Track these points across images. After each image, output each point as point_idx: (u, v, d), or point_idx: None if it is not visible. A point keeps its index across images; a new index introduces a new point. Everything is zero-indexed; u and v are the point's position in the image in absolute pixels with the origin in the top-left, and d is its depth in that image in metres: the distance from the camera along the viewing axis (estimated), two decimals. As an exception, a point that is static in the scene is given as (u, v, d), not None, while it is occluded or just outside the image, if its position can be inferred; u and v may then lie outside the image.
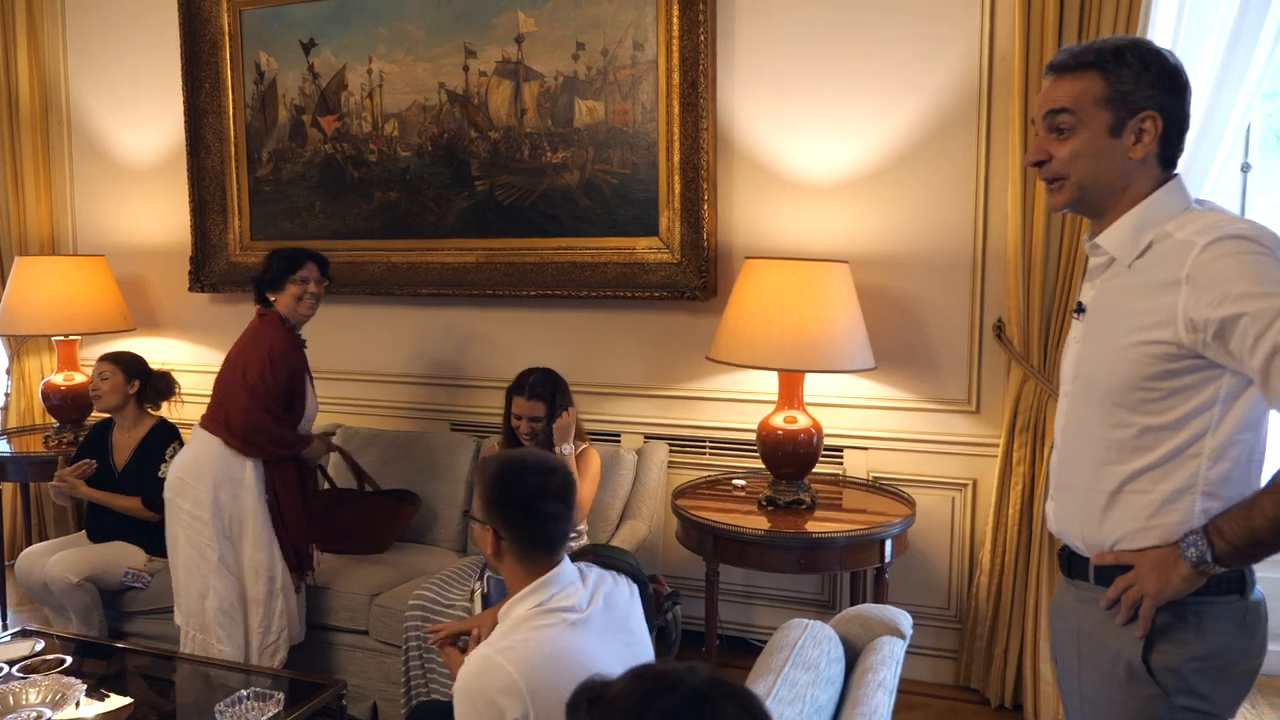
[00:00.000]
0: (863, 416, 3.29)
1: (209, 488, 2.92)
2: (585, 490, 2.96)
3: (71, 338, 4.04)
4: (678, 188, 3.35)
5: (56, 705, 2.27)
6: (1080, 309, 1.62)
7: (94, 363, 3.46)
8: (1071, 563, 1.62)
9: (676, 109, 3.31)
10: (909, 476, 3.24)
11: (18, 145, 4.34)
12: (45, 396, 3.96)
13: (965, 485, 3.21)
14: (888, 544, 2.83)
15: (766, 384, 3.22)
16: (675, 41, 3.29)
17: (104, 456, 3.40)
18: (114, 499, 3.29)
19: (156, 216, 4.21)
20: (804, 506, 2.98)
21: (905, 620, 1.95)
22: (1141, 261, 1.48)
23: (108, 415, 3.47)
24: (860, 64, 3.17)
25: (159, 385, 3.43)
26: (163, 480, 3.19)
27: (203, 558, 2.91)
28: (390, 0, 3.69)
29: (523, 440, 2.89)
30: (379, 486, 3.31)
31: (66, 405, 3.95)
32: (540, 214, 3.57)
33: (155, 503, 3.19)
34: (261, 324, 2.99)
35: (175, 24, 3.97)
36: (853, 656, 1.88)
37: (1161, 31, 2.77)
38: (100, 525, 3.35)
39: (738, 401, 3.40)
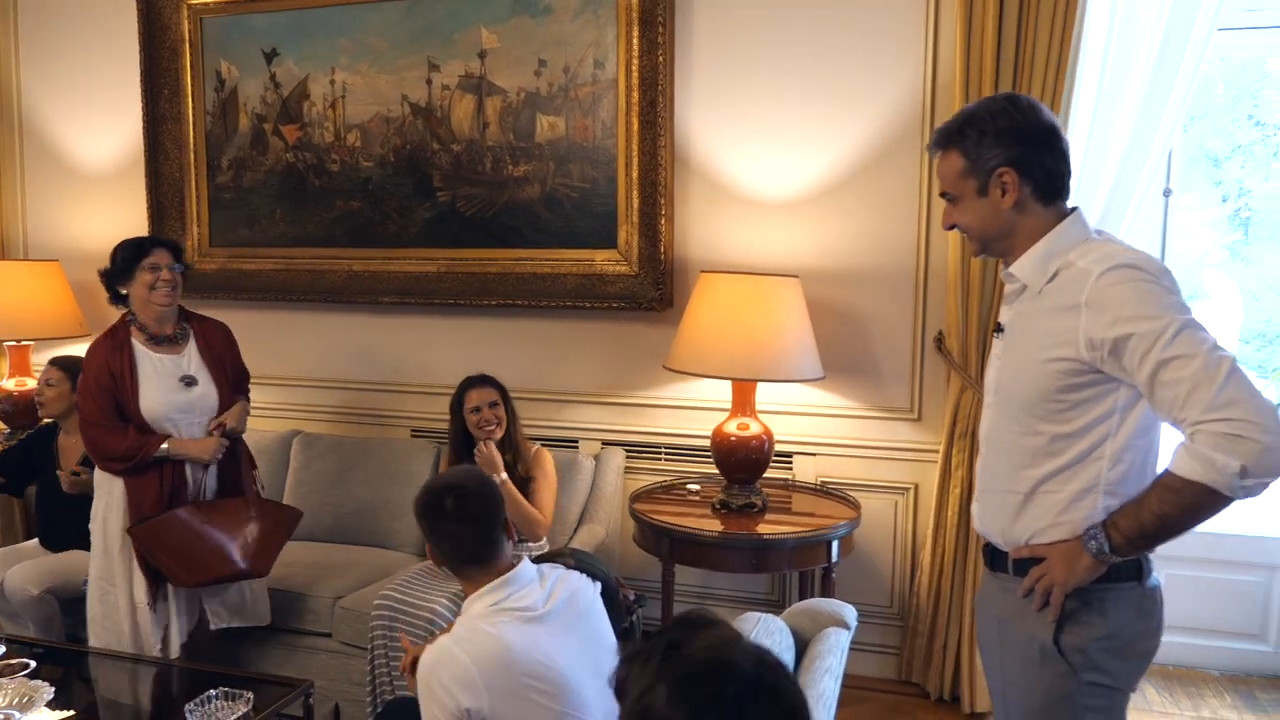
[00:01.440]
0: (812, 424, 3.44)
1: (99, 502, 2.91)
2: (545, 495, 3.07)
3: (24, 343, 4.01)
4: (636, 202, 3.47)
5: (24, 708, 2.29)
6: (1000, 329, 1.80)
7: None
8: (993, 557, 1.80)
9: (636, 126, 3.43)
10: (855, 481, 3.40)
11: (-32, 148, 4.29)
12: (-4, 402, 3.94)
13: (908, 489, 3.38)
14: (834, 545, 2.99)
15: (720, 392, 3.35)
16: (635, 61, 3.41)
17: (50, 462, 3.40)
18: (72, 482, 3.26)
19: (112, 222, 4.19)
20: (756, 510, 3.11)
21: (850, 612, 2.10)
22: (1050, 287, 1.66)
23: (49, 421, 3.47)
24: (811, 87, 3.32)
25: None
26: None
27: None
28: (353, 13, 3.75)
29: (486, 433, 2.98)
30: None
31: (18, 411, 3.93)
32: (502, 225, 3.66)
33: None
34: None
35: (135, 30, 3.96)
36: (802, 646, 2.02)
37: (1090, 61, 2.96)
38: (56, 533, 3.34)
39: (692, 409, 3.53)
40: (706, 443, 3.27)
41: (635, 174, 3.46)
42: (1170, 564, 3.53)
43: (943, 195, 1.78)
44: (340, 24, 3.77)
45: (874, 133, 3.28)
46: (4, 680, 2.40)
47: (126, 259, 2.85)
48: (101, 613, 2.91)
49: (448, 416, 3.59)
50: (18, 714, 2.26)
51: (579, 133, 3.54)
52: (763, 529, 3.02)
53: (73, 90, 4.22)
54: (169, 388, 2.87)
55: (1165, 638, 1.71)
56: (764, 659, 1.03)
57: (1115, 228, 3.04)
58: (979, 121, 1.69)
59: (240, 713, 2.35)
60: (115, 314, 3.12)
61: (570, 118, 3.54)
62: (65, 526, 3.30)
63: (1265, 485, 1.48)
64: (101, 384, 2.80)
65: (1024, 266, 1.70)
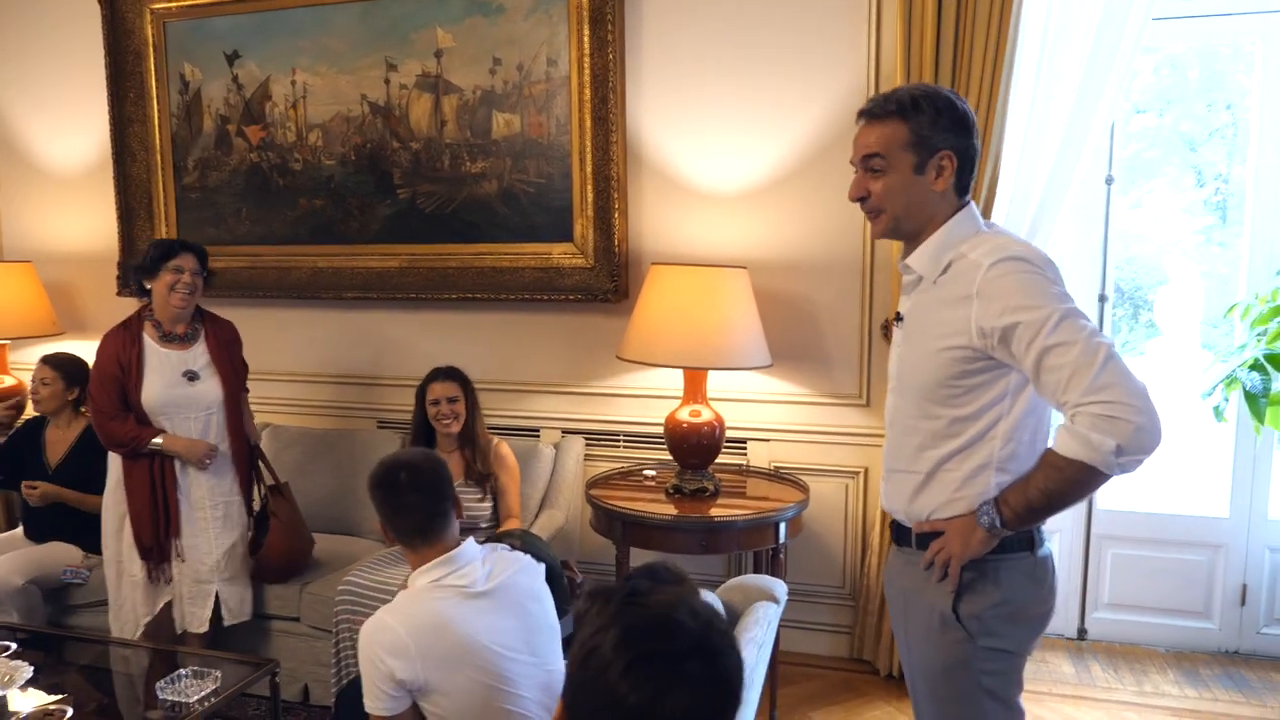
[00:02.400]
0: (764, 410, 3.53)
1: (111, 482, 3.10)
2: (511, 493, 3.17)
3: (1, 342, 4.09)
4: (590, 196, 3.55)
5: (4, 686, 2.38)
6: (899, 318, 1.88)
7: (26, 365, 3.54)
8: (898, 532, 1.89)
9: (589, 122, 3.51)
10: (807, 465, 3.49)
11: (-62, 152, 4.36)
12: (-26, 400, 4.02)
13: (858, 473, 3.47)
14: (782, 526, 3.08)
15: (675, 381, 3.43)
16: (586, 59, 3.48)
17: (37, 453, 3.50)
18: (85, 499, 3.37)
19: (83, 223, 4.27)
20: (708, 494, 3.20)
21: (780, 588, 2.19)
22: (944, 278, 1.74)
23: (36, 415, 3.56)
24: (758, 83, 3.40)
25: None
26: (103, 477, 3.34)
27: None
28: (312, 14, 3.82)
29: (444, 427, 3.08)
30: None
31: (-6, 407, 4.01)
32: (461, 221, 3.74)
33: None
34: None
35: (99, 34, 4.03)
36: (734, 620, 2.12)
37: (1026, 54, 3.04)
38: (39, 524, 3.44)
39: (648, 398, 3.61)
40: (662, 430, 3.36)
41: (589, 169, 3.54)
42: (1117, 544, 3.65)
43: (864, 160, 1.77)
44: (300, 26, 3.84)
45: (819, 127, 3.36)
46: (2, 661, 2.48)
47: (154, 258, 3.03)
48: (119, 596, 3.07)
49: (412, 408, 3.69)
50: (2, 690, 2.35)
51: (534, 129, 3.62)
52: (714, 512, 3.11)
53: (41, 95, 4.29)
54: (171, 382, 3.04)
55: (1111, 615, 1.79)
56: (713, 623, 1.10)
57: (1053, 216, 3.13)
58: (937, 101, 1.73)
59: (208, 690, 2.45)
60: (85, 312, 3.26)
61: (525, 115, 3.62)
62: (48, 519, 3.41)
63: (1139, 462, 1.56)
64: (110, 373, 2.99)
65: (919, 258, 1.78)
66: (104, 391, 2.99)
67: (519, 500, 3.21)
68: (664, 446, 3.43)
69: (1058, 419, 1.67)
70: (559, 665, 2.06)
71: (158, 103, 4.07)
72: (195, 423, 3.05)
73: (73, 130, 4.26)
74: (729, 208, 3.49)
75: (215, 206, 4.07)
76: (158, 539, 3.03)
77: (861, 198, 1.80)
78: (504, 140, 3.65)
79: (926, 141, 1.72)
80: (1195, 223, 4.72)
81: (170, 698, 2.44)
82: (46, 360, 3.51)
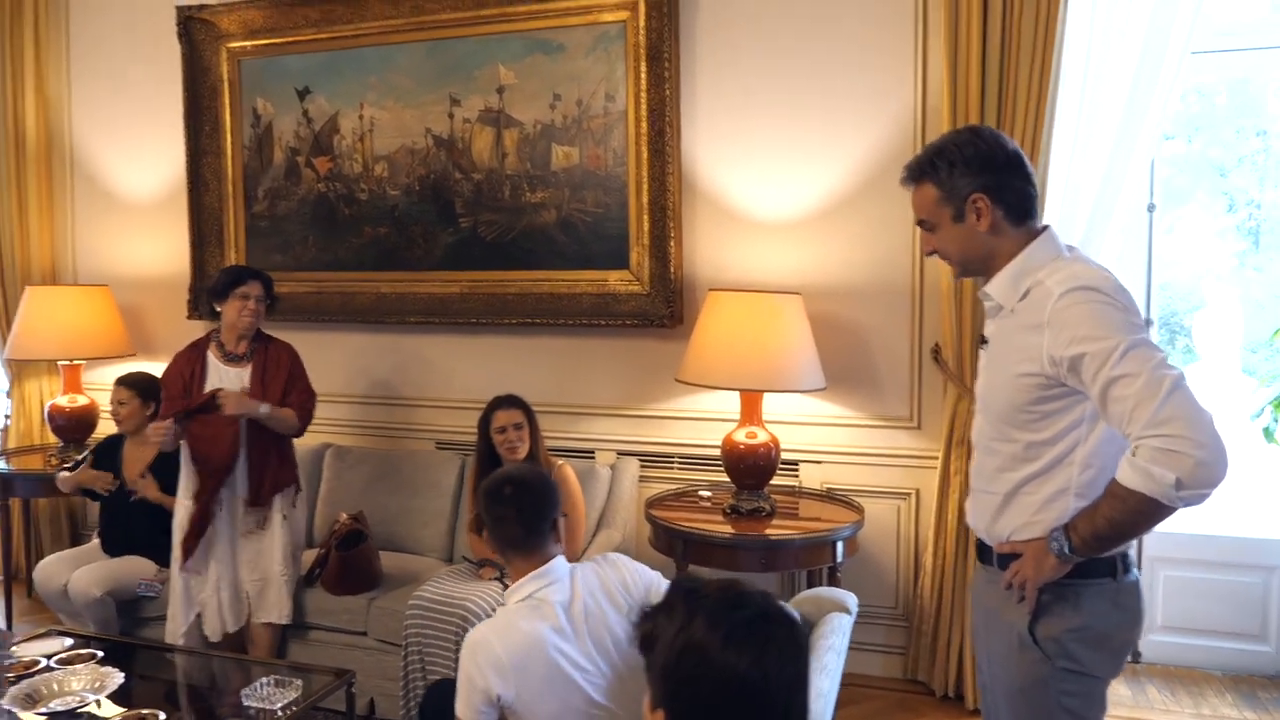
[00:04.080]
0: (817, 433, 3.61)
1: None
2: (573, 512, 3.22)
3: (76, 362, 4.27)
4: (646, 225, 3.67)
5: (98, 692, 2.50)
6: (984, 341, 1.95)
7: (100, 385, 3.70)
8: (981, 550, 1.94)
9: (645, 154, 3.64)
10: (859, 487, 3.56)
11: (23, 180, 4.58)
12: (51, 418, 4.20)
13: (909, 494, 3.54)
14: (839, 545, 3.15)
15: (728, 404, 3.53)
16: (643, 94, 3.62)
17: (116, 469, 3.65)
18: (167, 500, 3.50)
19: (156, 249, 4.47)
20: (764, 514, 3.29)
21: (851, 599, 2.27)
22: (1021, 305, 1.79)
23: (115, 433, 3.72)
24: (806, 115, 3.52)
25: None
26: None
27: None
28: (381, 53, 4.00)
29: (510, 454, 3.18)
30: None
31: (70, 426, 4.19)
32: (520, 249, 3.88)
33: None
34: None
35: (178, 71, 4.25)
36: (808, 630, 2.20)
37: (1069, 84, 3.14)
38: (115, 538, 3.59)
39: (702, 420, 3.71)
40: (717, 452, 3.45)
41: (645, 199, 3.66)
42: (1170, 565, 3.68)
43: (920, 224, 1.92)
44: (368, 64, 4.02)
45: (867, 156, 3.47)
46: (79, 666, 2.61)
47: (226, 284, 3.28)
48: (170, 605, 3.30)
49: (472, 429, 3.80)
50: (92, 695, 2.47)
51: (592, 161, 3.76)
52: (770, 531, 3.19)
53: (119, 127, 4.51)
54: None
55: (1167, 638, 1.83)
56: (766, 593, 1.22)
57: (1098, 244, 3.21)
58: (948, 153, 1.83)
59: (290, 698, 2.55)
60: (155, 334, 3.45)
61: (584, 147, 3.76)
62: (124, 532, 3.56)
63: (1203, 496, 1.58)
64: (174, 389, 3.27)
65: (997, 286, 1.85)
66: (169, 402, 3.28)
67: (582, 528, 3.27)
68: (717, 468, 3.54)
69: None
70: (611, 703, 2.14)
71: (231, 135, 4.26)
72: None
73: (149, 161, 4.47)
74: (781, 235, 3.60)
75: (283, 234, 4.24)
76: (191, 544, 3.24)
77: (933, 251, 1.93)
78: (563, 171, 3.79)
79: (954, 192, 1.82)
80: (1229, 248, 4.75)
81: (255, 704, 2.55)
82: (122, 381, 3.68)
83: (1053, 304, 1.70)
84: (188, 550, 3.23)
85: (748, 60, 3.58)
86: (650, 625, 1.21)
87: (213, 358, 3.31)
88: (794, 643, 1.15)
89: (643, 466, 3.79)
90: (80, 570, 3.44)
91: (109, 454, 3.70)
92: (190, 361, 3.29)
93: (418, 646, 3.06)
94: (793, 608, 2.20)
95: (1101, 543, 1.71)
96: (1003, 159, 1.82)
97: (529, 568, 2.12)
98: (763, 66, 3.57)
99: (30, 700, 2.44)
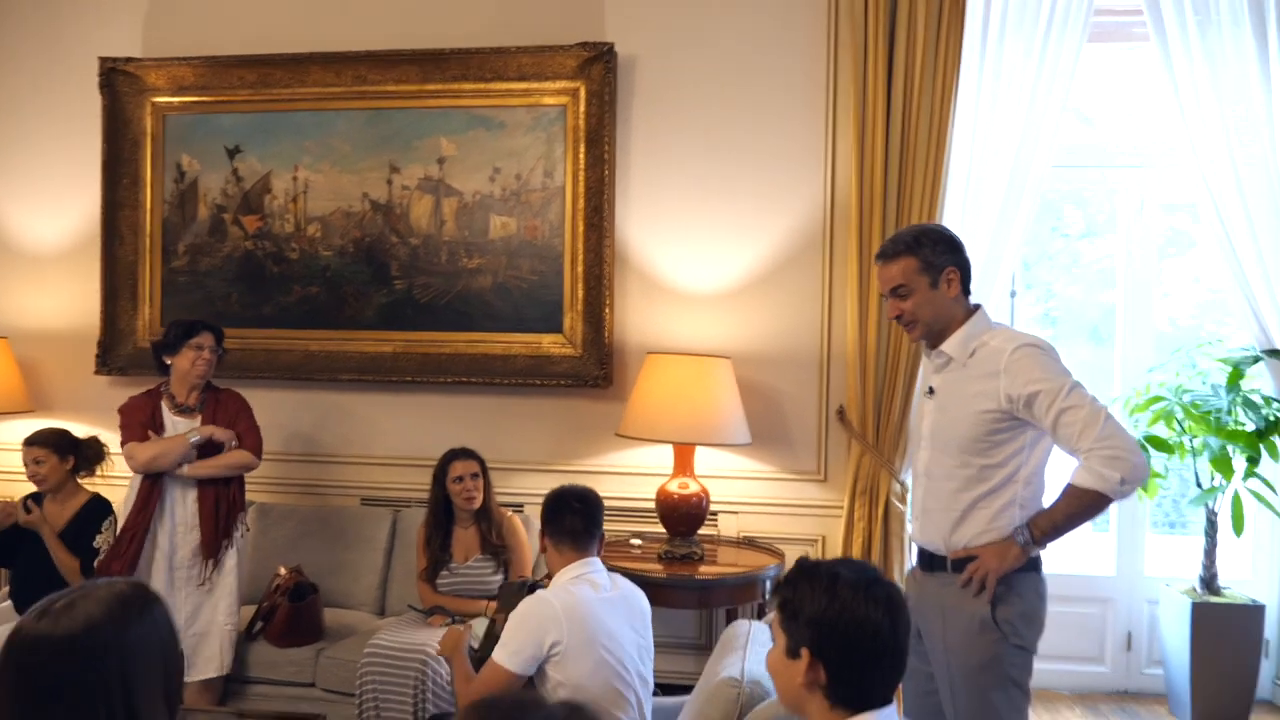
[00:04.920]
0: (734, 485, 3.96)
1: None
2: (521, 558, 3.46)
3: (-33, 418, 4.04)
4: (581, 293, 3.97)
5: None
6: (931, 390, 2.43)
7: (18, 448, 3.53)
8: (932, 561, 2.39)
9: (582, 228, 3.95)
10: (772, 534, 3.92)
11: (-96, 226, 4.33)
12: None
13: (817, 540, 3.94)
14: (766, 584, 3.49)
15: (654, 459, 3.84)
16: (582, 173, 3.95)
17: (35, 531, 3.47)
18: (61, 550, 3.40)
19: (61, 300, 4.32)
20: (696, 558, 3.58)
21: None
22: (971, 360, 2.32)
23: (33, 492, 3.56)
24: (731, 200, 3.96)
25: (89, 454, 3.57)
26: (97, 551, 3.39)
27: None
28: (318, 118, 4.14)
29: (467, 503, 3.35)
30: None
31: (-41, 485, 3.94)
32: (455, 311, 4.07)
33: (87, 569, 3.38)
34: None
35: (97, 120, 4.19)
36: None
37: (954, 188, 3.73)
38: (32, 597, 3.39)
39: (629, 475, 3.98)
40: (644, 504, 3.74)
41: (580, 269, 3.96)
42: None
43: (893, 291, 2.37)
44: (304, 127, 4.14)
45: (784, 237, 3.94)
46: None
47: (178, 336, 3.31)
48: None
49: (401, 485, 3.93)
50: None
51: (529, 232, 4.03)
52: (703, 573, 3.49)
53: (29, 174, 4.36)
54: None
55: None
56: (875, 567, 1.58)
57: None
58: (930, 234, 2.38)
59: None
60: (55, 390, 3.70)
61: (521, 218, 4.03)
62: (38, 590, 3.37)
63: (1134, 489, 2.18)
64: (138, 416, 3.30)
65: (952, 345, 2.37)
66: (130, 430, 3.30)
67: (530, 563, 3.48)
68: (644, 519, 3.83)
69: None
70: (649, 672, 2.51)
71: (151, 189, 4.23)
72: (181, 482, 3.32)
73: (57, 210, 4.34)
74: (703, 306, 3.99)
75: (204, 290, 4.23)
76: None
77: (897, 316, 2.40)
78: (500, 240, 4.04)
79: (933, 264, 2.33)
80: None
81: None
82: (32, 441, 3.50)
83: (1007, 357, 2.24)
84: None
85: (677, 147, 3.98)
86: (791, 591, 1.51)
87: (165, 409, 3.34)
88: (903, 601, 1.48)
89: (572, 519, 4.00)
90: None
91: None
92: (148, 406, 3.31)
93: (373, 694, 3.12)
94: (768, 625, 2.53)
95: (1056, 532, 2.24)
96: (961, 246, 2.37)
97: (577, 558, 2.47)
98: (690, 153, 3.98)
99: None
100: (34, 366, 4.30)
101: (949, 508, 2.32)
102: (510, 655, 2.31)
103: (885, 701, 1.46)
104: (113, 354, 4.24)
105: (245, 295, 4.20)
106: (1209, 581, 3.84)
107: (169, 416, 3.33)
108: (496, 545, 3.41)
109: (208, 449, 3.30)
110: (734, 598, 3.48)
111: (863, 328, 3.77)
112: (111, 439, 4.11)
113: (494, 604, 3.33)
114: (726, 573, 3.46)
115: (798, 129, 3.92)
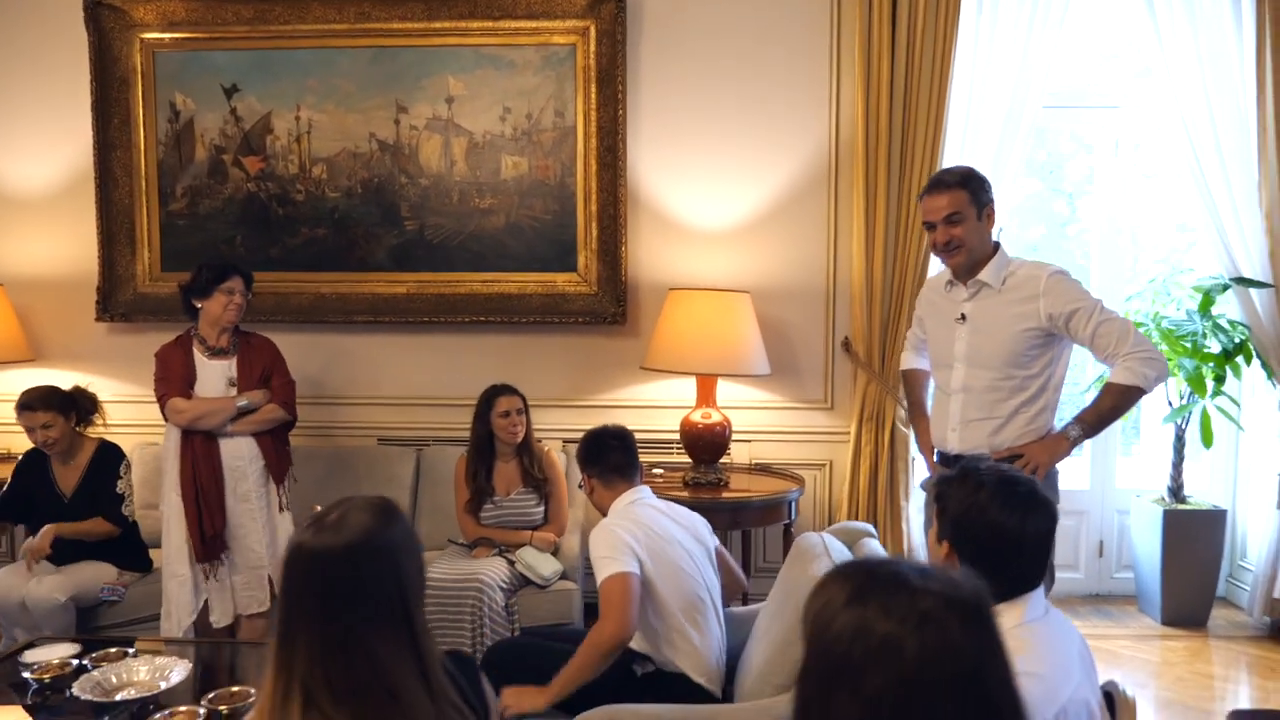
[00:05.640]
0: (746, 416, 4.13)
1: (167, 486, 3.37)
2: (558, 493, 3.59)
3: (-36, 368, 3.92)
4: (594, 231, 4.04)
5: (168, 680, 2.46)
6: (963, 317, 2.72)
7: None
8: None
9: (595, 167, 4.01)
10: (782, 460, 4.13)
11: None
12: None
13: (824, 465, 4.16)
14: (793, 504, 3.70)
15: (669, 392, 4.01)
16: (593, 113, 3.99)
17: (48, 486, 3.44)
18: (85, 528, 3.38)
19: (57, 246, 4.18)
20: (720, 484, 3.76)
21: (872, 528, 2.82)
22: (1005, 287, 2.66)
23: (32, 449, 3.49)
24: (739, 138, 4.06)
25: (87, 405, 3.51)
26: (121, 496, 3.41)
27: None
28: (320, 56, 4.06)
29: (512, 436, 3.45)
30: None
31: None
32: (468, 251, 4.10)
33: (118, 517, 3.40)
34: None
35: (85, 59, 4.03)
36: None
37: (954, 126, 3.90)
38: (61, 547, 3.38)
39: (647, 408, 4.11)
40: (662, 437, 3.91)
41: (594, 208, 4.03)
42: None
43: (947, 219, 2.64)
44: (306, 65, 4.07)
45: (790, 176, 4.07)
46: (129, 661, 2.53)
47: (209, 279, 3.27)
48: (168, 600, 3.26)
49: (419, 424, 4.00)
50: (176, 673, 2.43)
51: (540, 171, 4.07)
52: (728, 496, 3.67)
53: (19, 116, 4.18)
54: (218, 389, 3.31)
55: None
56: (1032, 479, 1.74)
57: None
58: (976, 175, 2.72)
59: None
60: (53, 339, 3.94)
61: (533, 158, 4.06)
62: (70, 541, 3.37)
63: (1162, 382, 2.66)
64: (176, 369, 3.27)
65: (988, 274, 2.71)
66: (168, 383, 3.26)
67: (567, 509, 3.62)
68: (663, 451, 3.98)
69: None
70: (712, 576, 2.65)
71: (144, 130, 4.11)
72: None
73: (50, 154, 4.18)
74: (713, 243, 4.11)
75: (206, 232, 4.15)
76: (207, 531, 3.22)
77: (947, 242, 2.66)
78: (512, 180, 4.07)
79: (979, 199, 2.69)
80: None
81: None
82: (31, 407, 3.36)
83: (1044, 282, 2.61)
84: (209, 551, 3.22)
85: (686, 87, 4.05)
86: (945, 486, 1.70)
87: (198, 354, 3.32)
88: (1049, 513, 1.65)
89: (590, 452, 4.13)
90: (37, 579, 3.25)
91: (36, 472, 3.46)
92: (182, 355, 3.29)
93: (436, 627, 3.22)
94: (833, 534, 2.72)
95: (1102, 425, 2.63)
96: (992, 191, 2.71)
97: (627, 488, 2.64)
98: (699, 94, 4.06)
99: (103, 691, 2.39)
100: (31, 315, 4.18)
101: (992, 415, 2.68)
102: (612, 561, 2.38)
103: (1030, 588, 1.64)
104: (113, 300, 4.14)
105: (250, 238, 4.14)
106: (1176, 491, 4.20)
107: (202, 360, 3.32)
108: (538, 479, 3.52)
109: None
110: (763, 519, 3.68)
111: (869, 261, 3.95)
112: (112, 386, 4.09)
113: (537, 532, 3.49)
114: (754, 496, 3.65)
115: (803, 70, 4.03)
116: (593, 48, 3.97)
